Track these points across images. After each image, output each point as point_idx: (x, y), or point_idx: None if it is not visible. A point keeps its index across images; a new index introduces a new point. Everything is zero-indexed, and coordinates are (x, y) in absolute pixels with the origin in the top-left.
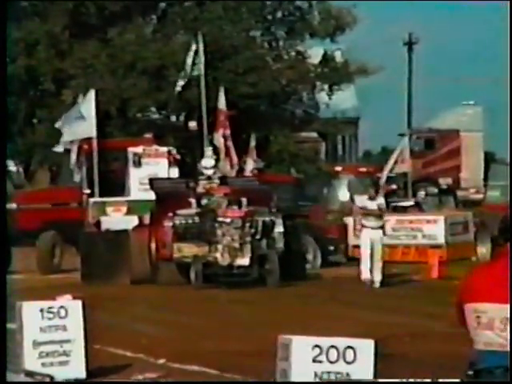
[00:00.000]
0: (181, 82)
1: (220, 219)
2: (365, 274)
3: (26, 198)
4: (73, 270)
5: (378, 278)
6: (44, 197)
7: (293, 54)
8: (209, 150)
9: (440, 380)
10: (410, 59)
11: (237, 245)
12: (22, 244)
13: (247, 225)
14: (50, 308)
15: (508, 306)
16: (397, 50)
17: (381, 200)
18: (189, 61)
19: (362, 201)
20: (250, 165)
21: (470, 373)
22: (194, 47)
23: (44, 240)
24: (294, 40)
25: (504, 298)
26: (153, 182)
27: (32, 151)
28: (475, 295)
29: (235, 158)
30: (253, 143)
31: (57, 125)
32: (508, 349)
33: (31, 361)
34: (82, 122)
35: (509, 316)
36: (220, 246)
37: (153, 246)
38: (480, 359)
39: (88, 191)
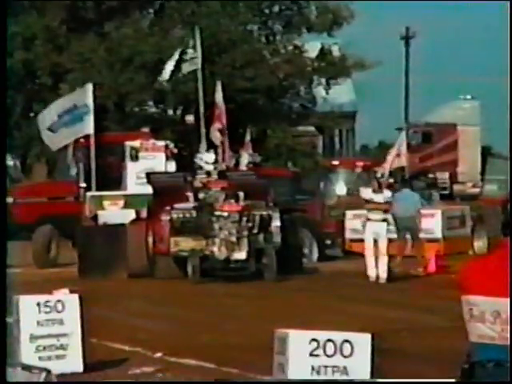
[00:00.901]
0: (168, 68)
1: (217, 213)
2: (370, 270)
3: (22, 192)
4: (69, 265)
5: (383, 274)
6: (40, 191)
7: (290, 48)
8: (204, 146)
9: (440, 380)
10: (407, 53)
11: (234, 239)
12: (17, 238)
13: (244, 219)
14: (46, 302)
15: (498, 299)
16: (394, 44)
17: (386, 193)
18: (176, 56)
19: (367, 193)
20: (245, 159)
21: (466, 366)
22: (191, 42)
23: (40, 234)
24: (292, 34)
25: (495, 291)
26: (150, 176)
27: (29, 145)
28: (468, 288)
29: (228, 153)
30: (248, 137)
31: (46, 123)
32: (498, 342)
33: (28, 354)
34: (80, 118)
35: (499, 309)
36: (217, 240)
37: (150, 240)
38: (474, 352)
39: (84, 185)
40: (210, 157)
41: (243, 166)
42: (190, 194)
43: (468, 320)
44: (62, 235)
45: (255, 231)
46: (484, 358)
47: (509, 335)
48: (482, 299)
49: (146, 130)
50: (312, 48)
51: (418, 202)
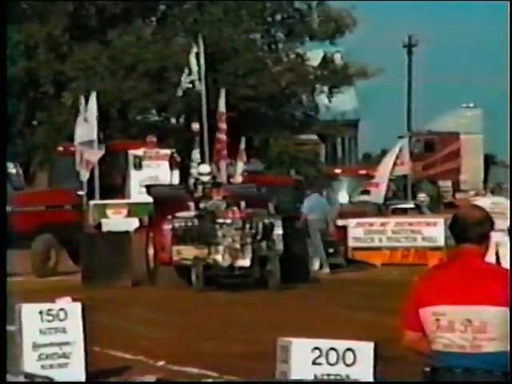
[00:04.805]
0: (185, 83)
1: (220, 221)
2: None
3: (20, 201)
4: (68, 273)
5: None
6: (38, 199)
7: (292, 56)
8: (196, 153)
9: None
10: (409, 61)
11: (238, 246)
12: (15, 246)
13: (247, 226)
14: (49, 310)
15: (469, 307)
16: (396, 52)
17: (498, 199)
18: (193, 62)
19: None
20: (240, 168)
21: (427, 369)
22: (195, 49)
23: (39, 243)
24: (294, 42)
25: (463, 300)
26: (150, 189)
27: (32, 153)
28: (432, 298)
29: (225, 162)
30: (242, 146)
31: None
32: (469, 350)
33: (31, 363)
34: (85, 125)
35: (470, 317)
36: (221, 248)
37: (150, 251)
38: (438, 359)
39: (82, 193)
40: (205, 168)
41: (238, 175)
42: (191, 204)
43: (433, 331)
44: (60, 244)
45: (259, 238)
46: (450, 364)
47: (509, 339)
48: (452, 308)
49: (153, 138)
50: (314, 56)
51: (327, 206)
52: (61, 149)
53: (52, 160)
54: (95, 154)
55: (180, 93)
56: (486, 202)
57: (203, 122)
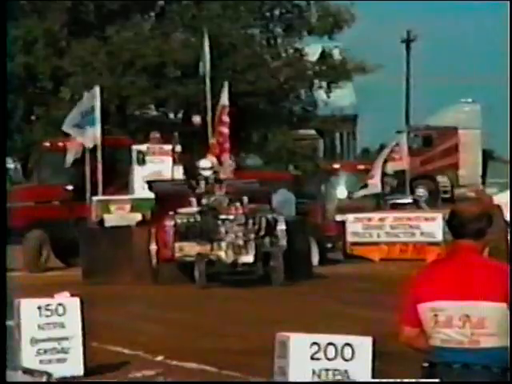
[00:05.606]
0: (202, 70)
1: (223, 216)
2: None
3: (10, 196)
4: (66, 268)
5: None
6: (27, 194)
7: (291, 51)
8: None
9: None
10: (408, 57)
11: (241, 242)
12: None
13: (250, 221)
14: (47, 305)
15: (467, 303)
16: (395, 47)
17: None
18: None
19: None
20: (228, 163)
21: (426, 365)
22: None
23: (31, 239)
24: (292, 37)
25: (461, 295)
26: (151, 184)
27: (30, 148)
28: (431, 294)
29: (227, 156)
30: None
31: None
32: (467, 346)
33: (29, 358)
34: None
35: (468, 313)
36: (224, 244)
37: (153, 248)
38: (436, 354)
39: (71, 188)
40: (206, 163)
41: (228, 172)
42: (193, 199)
43: (431, 327)
44: (50, 240)
45: (262, 234)
46: (448, 360)
47: (509, 339)
48: (449, 304)
49: (157, 134)
50: (313, 51)
51: (293, 202)
52: (47, 144)
53: (39, 156)
54: (89, 139)
55: (201, 73)
56: (504, 196)
57: (207, 116)
